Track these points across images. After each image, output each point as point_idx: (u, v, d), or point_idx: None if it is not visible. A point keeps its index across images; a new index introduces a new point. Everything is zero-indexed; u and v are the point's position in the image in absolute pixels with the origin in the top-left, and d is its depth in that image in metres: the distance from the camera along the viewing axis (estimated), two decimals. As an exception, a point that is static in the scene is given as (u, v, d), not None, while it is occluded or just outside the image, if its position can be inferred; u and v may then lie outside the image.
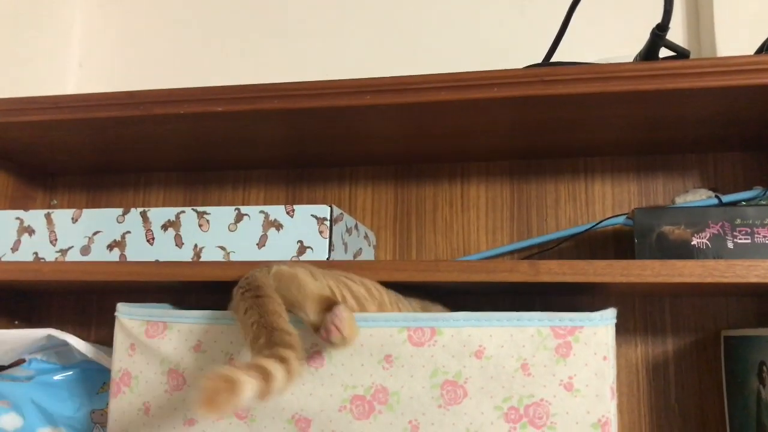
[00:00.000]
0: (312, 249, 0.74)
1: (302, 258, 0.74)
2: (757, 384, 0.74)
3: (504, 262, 0.67)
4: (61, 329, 0.82)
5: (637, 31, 0.95)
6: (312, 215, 0.75)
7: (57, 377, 0.83)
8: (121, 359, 0.67)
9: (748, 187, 0.84)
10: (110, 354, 0.79)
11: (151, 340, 0.65)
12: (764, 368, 0.72)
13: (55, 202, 1.06)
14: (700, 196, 0.80)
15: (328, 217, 0.75)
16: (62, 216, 0.81)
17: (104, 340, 0.98)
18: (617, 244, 0.88)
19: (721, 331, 0.83)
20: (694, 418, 0.83)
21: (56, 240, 0.80)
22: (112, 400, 0.66)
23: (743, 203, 0.77)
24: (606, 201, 0.90)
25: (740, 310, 0.85)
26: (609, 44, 0.96)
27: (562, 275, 0.65)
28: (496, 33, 1.01)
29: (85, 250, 0.79)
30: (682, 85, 0.66)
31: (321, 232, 0.74)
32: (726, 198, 0.77)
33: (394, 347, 0.59)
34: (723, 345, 0.82)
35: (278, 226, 0.76)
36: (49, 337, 0.80)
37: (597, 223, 0.82)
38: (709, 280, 0.62)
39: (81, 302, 1.01)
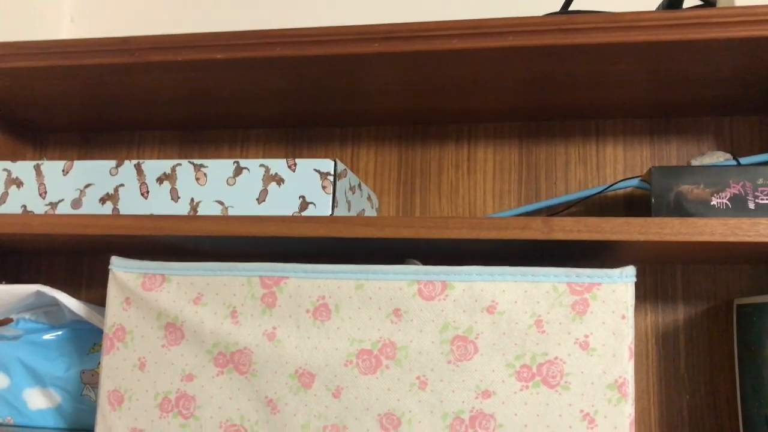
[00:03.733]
0: (314, 205, 0.71)
1: (305, 214, 0.71)
2: (772, 351, 0.71)
3: (516, 220, 0.64)
4: (51, 289, 0.79)
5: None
6: (315, 169, 0.72)
7: (46, 337, 0.80)
8: (115, 314, 0.63)
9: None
10: (102, 313, 0.76)
11: (148, 293, 0.62)
12: (781, 334, 0.70)
13: (45, 159, 1.02)
14: (717, 159, 0.77)
15: (332, 172, 0.71)
16: (52, 168, 0.77)
17: (96, 301, 0.95)
18: (628, 209, 0.86)
19: (734, 300, 0.81)
20: (703, 388, 0.81)
21: (46, 193, 0.77)
22: (104, 357, 0.63)
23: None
24: (618, 165, 0.87)
25: (754, 278, 0.82)
26: None
27: (577, 233, 0.62)
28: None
29: (76, 203, 0.76)
30: (707, 36, 0.63)
31: (324, 188, 0.71)
32: (744, 160, 0.74)
33: (404, 301, 0.56)
34: (736, 313, 0.80)
35: (279, 181, 0.72)
36: (38, 293, 0.76)
37: (610, 186, 0.79)
38: (731, 239, 0.60)
39: (71, 262, 0.98)
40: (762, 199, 0.67)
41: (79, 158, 1.01)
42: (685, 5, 0.71)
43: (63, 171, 0.77)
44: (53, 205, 0.76)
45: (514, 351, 0.56)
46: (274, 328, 0.58)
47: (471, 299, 0.56)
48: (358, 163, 0.93)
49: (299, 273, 0.59)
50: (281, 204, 0.72)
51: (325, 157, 0.94)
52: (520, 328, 0.56)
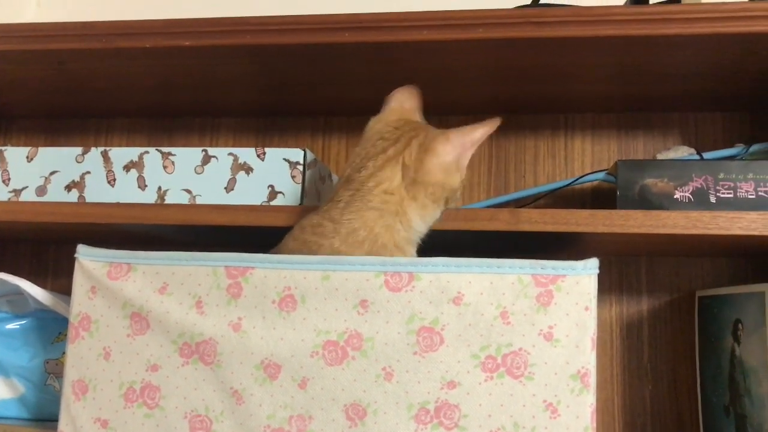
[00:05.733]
0: (283, 194, 0.71)
1: (273, 203, 0.71)
2: (731, 342, 0.73)
3: (484, 211, 0.65)
4: (15, 279, 0.77)
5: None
6: (284, 159, 0.71)
7: (9, 326, 0.79)
8: (81, 303, 0.63)
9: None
10: (68, 302, 0.75)
11: (113, 282, 0.61)
12: (740, 326, 0.72)
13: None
14: (681, 153, 0.78)
15: (302, 162, 0.71)
16: (16, 154, 0.76)
17: (61, 291, 0.93)
18: (595, 202, 0.87)
19: (696, 292, 0.82)
20: (666, 378, 0.83)
21: (9, 179, 0.75)
22: (69, 346, 0.62)
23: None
24: (585, 158, 0.88)
25: (715, 271, 0.84)
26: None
27: (543, 224, 0.63)
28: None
29: (41, 190, 0.75)
30: (672, 31, 0.64)
31: (293, 177, 0.71)
32: (708, 155, 0.76)
33: (370, 292, 0.57)
34: (697, 305, 0.82)
35: (248, 170, 0.72)
36: (1, 282, 0.75)
37: (577, 179, 0.80)
38: (693, 231, 0.61)
39: (36, 251, 0.96)
40: (723, 193, 0.68)
41: (45, 146, 0.99)
42: (653, 1, 0.72)
43: (27, 157, 0.76)
44: (17, 192, 0.75)
45: (480, 342, 0.56)
46: (240, 318, 0.58)
47: (437, 290, 0.57)
48: (329, 153, 0.93)
49: (265, 263, 0.59)
50: (250, 193, 0.72)
51: (297, 146, 0.94)
52: (485, 319, 0.56)
